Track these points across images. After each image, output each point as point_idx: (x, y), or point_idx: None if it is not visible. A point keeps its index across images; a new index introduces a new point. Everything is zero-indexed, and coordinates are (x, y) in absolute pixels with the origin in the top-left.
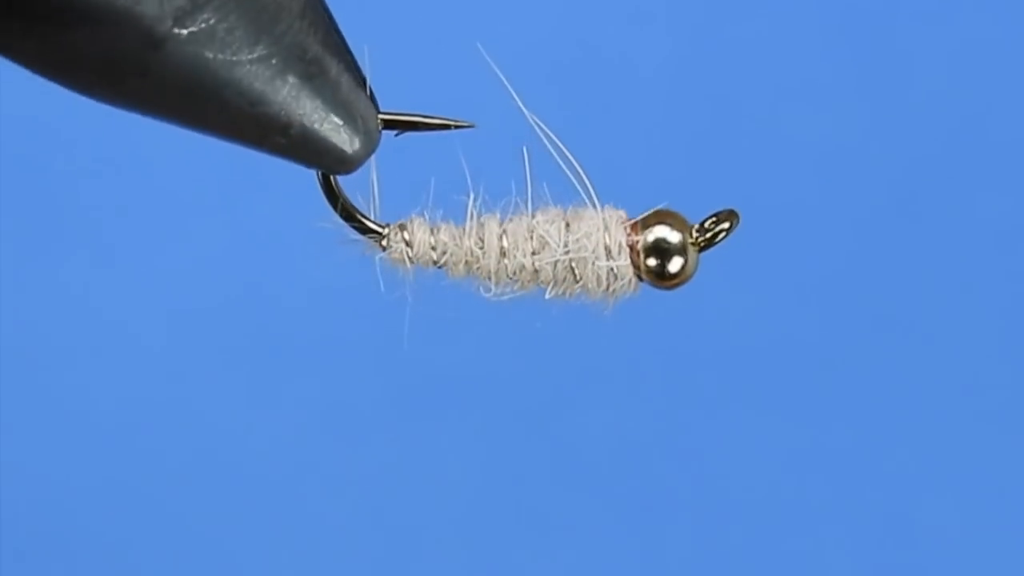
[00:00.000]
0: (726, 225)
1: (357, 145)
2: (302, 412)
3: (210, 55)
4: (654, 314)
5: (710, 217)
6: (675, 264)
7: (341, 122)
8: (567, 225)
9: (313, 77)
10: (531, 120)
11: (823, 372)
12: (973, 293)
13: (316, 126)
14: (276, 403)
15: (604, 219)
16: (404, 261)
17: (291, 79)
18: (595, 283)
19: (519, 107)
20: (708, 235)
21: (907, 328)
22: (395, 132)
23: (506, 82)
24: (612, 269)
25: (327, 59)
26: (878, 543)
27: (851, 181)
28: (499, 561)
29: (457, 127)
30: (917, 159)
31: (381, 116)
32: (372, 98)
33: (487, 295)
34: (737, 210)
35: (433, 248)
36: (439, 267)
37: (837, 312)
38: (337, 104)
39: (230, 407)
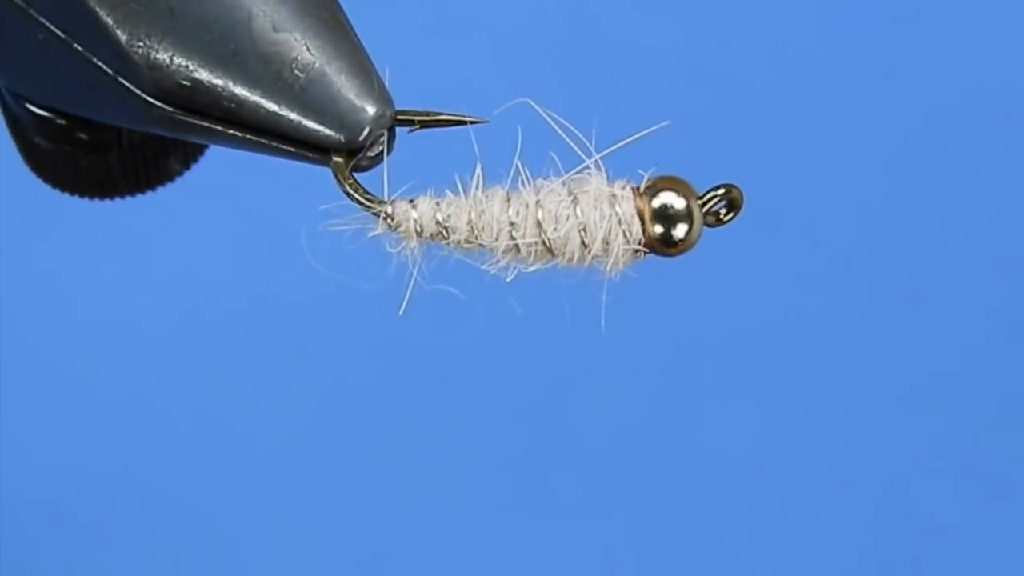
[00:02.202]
0: (722, 191)
1: (371, 110)
2: (304, 397)
3: None
4: (656, 298)
5: (713, 188)
6: (680, 230)
7: (357, 71)
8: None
9: (332, 29)
10: (546, 117)
11: (825, 357)
12: (976, 280)
13: (334, 67)
14: (278, 388)
15: (609, 188)
16: (410, 231)
17: (311, 19)
18: (597, 218)
19: (534, 107)
20: (712, 201)
21: (908, 314)
22: (409, 128)
23: (541, 110)
24: (614, 195)
25: (344, 23)
26: (878, 529)
27: (857, 163)
28: (501, 542)
29: (472, 123)
30: (923, 144)
31: (396, 113)
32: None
33: (491, 252)
34: (739, 187)
35: (437, 205)
36: (443, 233)
37: (839, 297)
38: (353, 58)
39: (231, 393)
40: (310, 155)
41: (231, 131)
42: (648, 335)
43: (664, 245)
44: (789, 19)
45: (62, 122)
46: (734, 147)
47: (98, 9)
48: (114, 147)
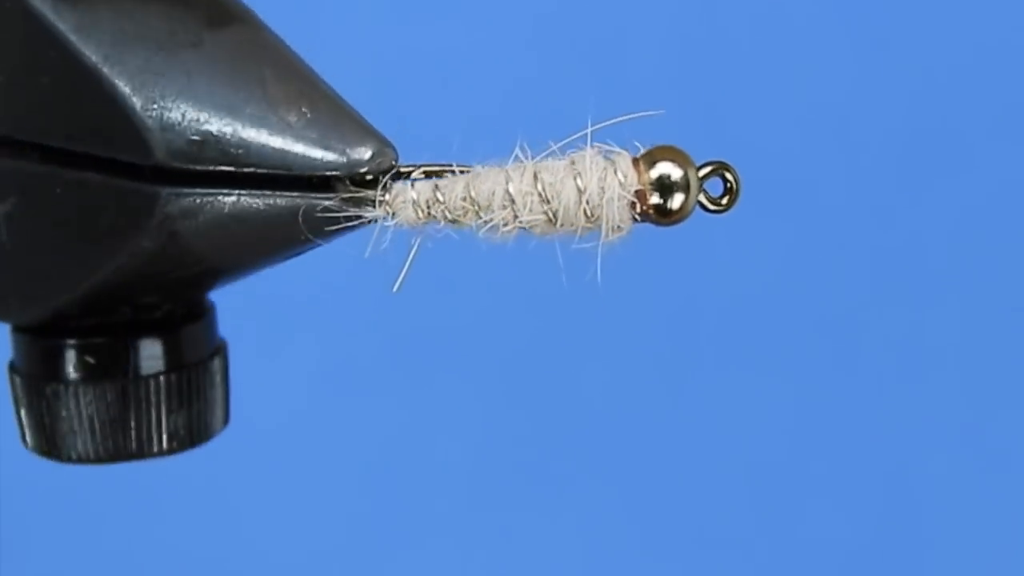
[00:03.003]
0: (717, 165)
1: (373, 145)
2: (303, 381)
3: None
4: (658, 281)
5: (710, 162)
6: (677, 200)
7: (359, 119)
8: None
9: (333, 93)
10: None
11: (826, 337)
12: (979, 268)
13: (339, 112)
14: (279, 375)
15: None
16: (407, 207)
17: (317, 81)
18: (592, 165)
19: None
20: (709, 173)
21: (911, 295)
22: (411, 179)
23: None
24: (610, 151)
25: (328, 91)
26: (878, 512)
27: (860, 144)
28: (501, 522)
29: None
30: (926, 125)
31: (400, 166)
32: (390, 145)
33: (487, 213)
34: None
35: (436, 185)
36: (439, 200)
37: (841, 279)
38: (354, 113)
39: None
40: (317, 198)
41: (236, 195)
42: (650, 317)
43: (660, 215)
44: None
45: (71, 343)
46: (731, 126)
47: (116, 81)
48: (119, 376)
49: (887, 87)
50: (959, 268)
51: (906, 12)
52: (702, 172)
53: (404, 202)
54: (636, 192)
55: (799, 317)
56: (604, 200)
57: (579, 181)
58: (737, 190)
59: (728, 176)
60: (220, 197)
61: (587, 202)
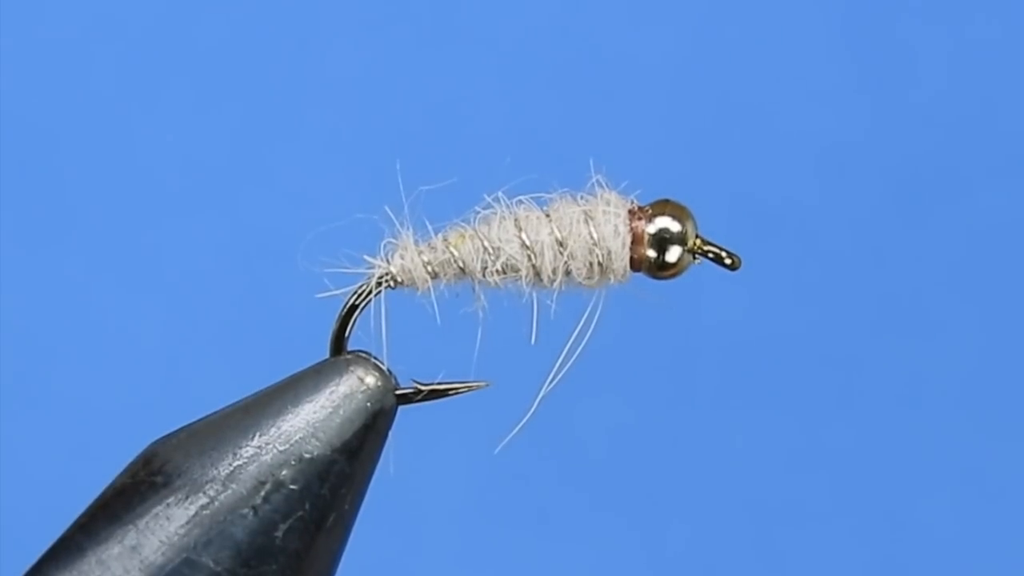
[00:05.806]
0: (725, 253)
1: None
2: None
3: None
4: (655, 310)
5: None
6: (673, 253)
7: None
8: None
9: None
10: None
11: (825, 369)
12: (974, 291)
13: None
14: None
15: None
16: (415, 279)
17: None
18: (610, 220)
19: None
20: (711, 248)
21: (909, 325)
22: (419, 397)
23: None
24: (614, 207)
25: None
26: (878, 542)
27: (854, 177)
28: (498, 557)
29: (479, 387)
30: (921, 155)
31: (402, 390)
32: (389, 375)
33: (493, 254)
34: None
35: (433, 248)
36: (446, 256)
37: (839, 309)
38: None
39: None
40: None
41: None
42: (648, 345)
43: (659, 269)
44: (785, 32)
45: None
46: (730, 160)
47: None
48: None
49: (884, 124)
50: (959, 303)
51: (908, 45)
52: (709, 248)
53: (406, 261)
54: (635, 244)
55: (799, 353)
56: (614, 249)
57: (592, 228)
58: (722, 252)
59: (708, 250)
60: None
61: (598, 250)
